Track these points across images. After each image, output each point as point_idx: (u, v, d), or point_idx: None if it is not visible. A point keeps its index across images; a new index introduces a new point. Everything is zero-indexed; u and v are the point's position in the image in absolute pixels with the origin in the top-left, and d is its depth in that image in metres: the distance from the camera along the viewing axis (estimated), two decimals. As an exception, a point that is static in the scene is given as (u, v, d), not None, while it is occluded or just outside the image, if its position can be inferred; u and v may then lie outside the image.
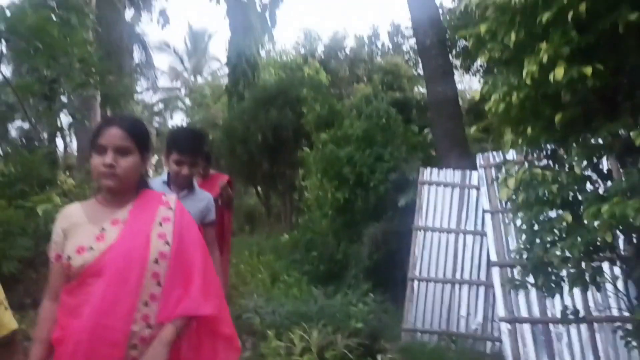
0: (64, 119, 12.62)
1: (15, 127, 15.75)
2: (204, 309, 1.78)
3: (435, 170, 5.89)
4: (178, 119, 28.36)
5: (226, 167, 10.88)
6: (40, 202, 6.88)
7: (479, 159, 5.58)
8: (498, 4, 2.69)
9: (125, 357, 1.67)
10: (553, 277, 2.75)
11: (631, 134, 2.23)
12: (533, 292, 4.37)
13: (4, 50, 9.43)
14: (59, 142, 13.62)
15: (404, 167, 6.36)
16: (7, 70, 11.16)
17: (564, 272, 2.72)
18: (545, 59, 2.41)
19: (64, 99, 12.15)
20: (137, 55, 21.08)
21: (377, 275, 6.04)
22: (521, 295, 4.48)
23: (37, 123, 12.48)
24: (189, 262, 1.82)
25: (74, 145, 15.68)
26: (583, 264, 2.56)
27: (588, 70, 2.26)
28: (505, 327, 4.43)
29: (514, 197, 2.79)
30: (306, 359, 3.70)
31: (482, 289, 5.34)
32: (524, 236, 2.85)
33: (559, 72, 2.34)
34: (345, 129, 7.00)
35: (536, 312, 4.43)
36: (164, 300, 1.74)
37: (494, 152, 5.54)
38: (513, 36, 2.62)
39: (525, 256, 2.84)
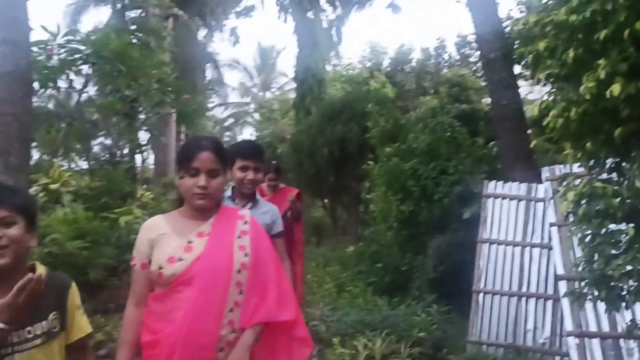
0: (143, 135, 13.34)
1: (98, 143, 16.81)
2: (282, 316, 1.96)
3: (500, 183, 5.88)
4: (247, 134, 29.17)
5: (293, 181, 11.19)
6: (122, 214, 7.38)
7: (545, 172, 5.53)
8: (556, 22, 2.75)
9: (214, 359, 1.83)
10: (615, 291, 2.77)
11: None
12: (602, 306, 4.30)
13: (90, 72, 10.17)
14: (138, 157, 14.36)
15: (469, 180, 6.38)
16: (91, 91, 11.96)
17: (626, 286, 2.73)
18: (602, 75, 2.47)
19: (142, 117, 12.92)
20: (209, 73, 22.08)
21: (442, 288, 6.07)
22: (589, 309, 4.41)
23: (118, 140, 13.31)
24: (264, 272, 1.98)
25: (150, 159, 16.49)
26: (645, 278, 2.57)
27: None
28: (573, 341, 4.37)
29: (574, 210, 2.83)
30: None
31: (549, 303, 5.26)
32: (584, 249, 2.88)
33: (615, 89, 2.40)
34: (410, 143, 7.10)
35: (605, 326, 4.35)
36: (245, 307, 1.90)
37: (561, 165, 5.48)
38: (571, 53, 2.67)
39: (586, 269, 2.87)
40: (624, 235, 2.63)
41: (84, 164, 14.54)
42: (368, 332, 4.22)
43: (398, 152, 7.22)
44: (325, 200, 13.95)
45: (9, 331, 1.48)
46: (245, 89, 35.22)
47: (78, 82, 10.53)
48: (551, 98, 2.81)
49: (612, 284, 2.76)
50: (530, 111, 3.05)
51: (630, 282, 2.68)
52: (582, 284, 2.99)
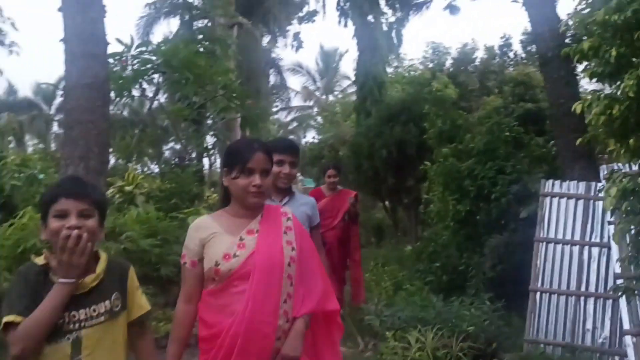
0: (209, 139, 13.93)
1: (169, 148, 17.71)
2: (328, 306, 2.16)
3: (557, 182, 5.85)
4: (310, 137, 29.54)
5: (353, 183, 11.39)
6: (190, 214, 7.83)
7: (603, 170, 5.46)
8: (598, 22, 2.82)
9: (273, 347, 1.99)
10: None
11: None
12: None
13: (161, 81, 10.78)
14: (205, 160, 14.99)
15: (526, 180, 6.35)
16: (162, 99, 12.65)
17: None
18: (642, 73, 2.53)
19: (209, 122, 13.51)
20: (272, 78, 22.66)
21: (499, 287, 6.08)
22: (648, 308, 4.34)
23: (187, 144, 14.00)
24: (309, 264, 2.15)
25: (217, 163, 17.12)
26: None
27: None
28: (630, 340, 4.33)
29: (617, 206, 2.88)
30: (420, 357, 3.97)
31: (609, 302, 5.20)
32: (629, 246, 2.92)
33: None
34: (467, 143, 7.14)
35: (664, 326, 4.28)
36: (295, 298, 2.07)
37: (620, 164, 5.40)
38: (614, 52, 2.74)
39: (632, 265, 2.90)
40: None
41: (155, 168, 15.40)
42: (420, 327, 4.34)
43: (455, 152, 7.27)
44: (386, 202, 14.06)
45: (74, 285, 1.73)
46: (308, 92, 35.70)
47: (150, 91, 11.22)
48: (591, 96, 2.88)
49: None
50: (575, 109, 3.10)
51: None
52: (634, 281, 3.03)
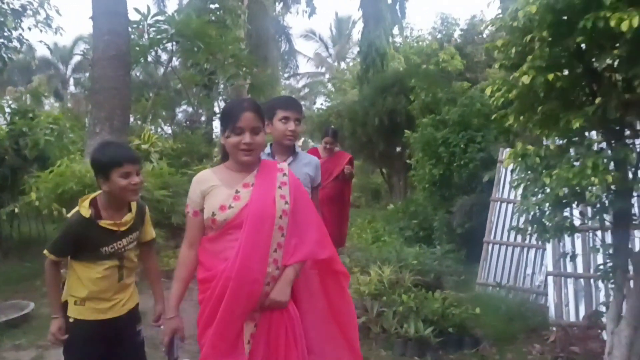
0: (219, 104, 14.79)
1: (181, 111, 18.58)
2: (322, 254, 2.29)
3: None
4: (319, 103, 29.93)
5: (348, 147, 12.28)
6: (198, 171, 8.80)
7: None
8: (504, 26, 3.70)
9: (262, 291, 2.12)
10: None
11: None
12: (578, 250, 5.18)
13: (174, 49, 11.66)
14: (214, 123, 15.90)
15: (491, 148, 7.23)
16: (175, 64, 13.52)
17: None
18: (525, 68, 3.41)
19: (219, 87, 14.39)
20: (283, 46, 23.22)
21: (461, 239, 7.05)
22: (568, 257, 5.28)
23: (198, 108, 14.92)
24: (303, 217, 2.27)
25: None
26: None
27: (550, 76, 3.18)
28: (551, 280, 5.30)
29: (514, 167, 3.80)
30: (377, 286, 4.96)
31: (547, 252, 6.14)
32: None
33: (525, 79, 3.31)
34: (444, 115, 8.02)
35: (580, 268, 5.22)
36: (286, 247, 2.19)
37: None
38: (514, 49, 3.62)
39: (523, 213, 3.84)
40: (540, 182, 3.59)
41: (167, 129, 16.38)
42: (380, 264, 5.33)
43: (433, 122, 8.15)
44: (383, 169, 14.96)
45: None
46: (320, 59, 36.00)
47: (164, 58, 12.12)
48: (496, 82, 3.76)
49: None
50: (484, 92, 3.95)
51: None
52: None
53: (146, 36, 11.03)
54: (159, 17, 11.06)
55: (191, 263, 2.26)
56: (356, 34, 33.77)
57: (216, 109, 14.42)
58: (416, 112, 9.49)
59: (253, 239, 2.10)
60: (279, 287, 2.17)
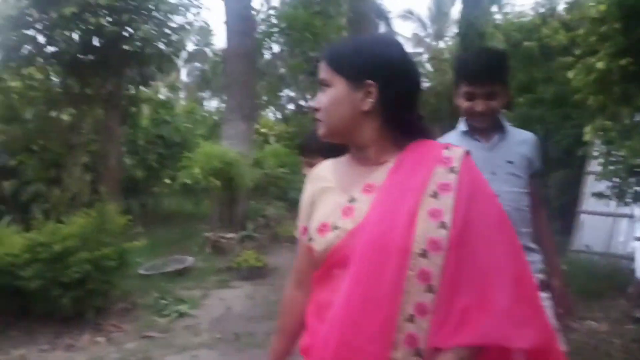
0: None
1: (284, 95, 19.87)
2: (518, 338, 1.04)
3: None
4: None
5: (448, 128, 12.74)
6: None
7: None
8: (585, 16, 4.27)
9: None
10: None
11: None
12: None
13: (283, 40, 12.79)
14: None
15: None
16: (284, 53, 14.69)
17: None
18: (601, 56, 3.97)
19: (324, 74, 15.31)
20: (382, 28, 23.75)
21: (557, 211, 7.50)
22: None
23: (304, 93, 16.02)
24: (483, 256, 1.09)
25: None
26: None
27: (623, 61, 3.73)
28: (638, 244, 5.71)
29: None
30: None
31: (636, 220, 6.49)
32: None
33: (599, 65, 3.90)
34: (539, 94, 8.42)
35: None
36: (439, 314, 1.06)
37: None
38: (592, 37, 4.19)
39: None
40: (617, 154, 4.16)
41: (279, 114, 17.73)
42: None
43: (529, 101, 8.56)
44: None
45: None
46: (418, 39, 36.02)
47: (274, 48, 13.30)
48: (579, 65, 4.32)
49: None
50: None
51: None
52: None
53: (260, 29, 12.21)
54: (270, 12, 12.22)
55: (297, 309, 1.36)
56: (455, 13, 33.29)
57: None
58: (513, 92, 9.81)
59: (363, 292, 1.09)
60: None
